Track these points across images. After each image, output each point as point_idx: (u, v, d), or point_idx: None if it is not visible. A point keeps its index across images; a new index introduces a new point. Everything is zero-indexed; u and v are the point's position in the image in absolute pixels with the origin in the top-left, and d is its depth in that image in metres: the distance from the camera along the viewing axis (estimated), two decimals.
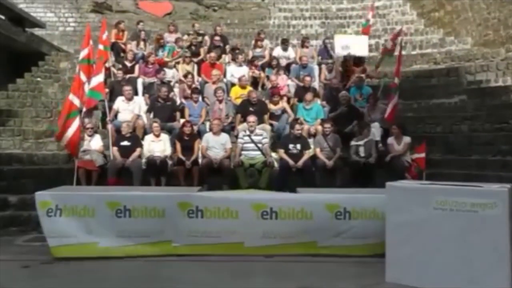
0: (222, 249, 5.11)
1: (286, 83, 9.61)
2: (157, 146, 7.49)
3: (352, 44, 10.19)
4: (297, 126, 7.54)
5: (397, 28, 13.76)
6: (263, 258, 5.02)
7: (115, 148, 7.39)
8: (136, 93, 9.08)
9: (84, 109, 7.81)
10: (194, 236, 5.12)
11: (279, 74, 9.65)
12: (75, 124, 6.92)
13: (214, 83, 9.20)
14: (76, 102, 7.03)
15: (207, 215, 5.10)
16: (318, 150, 7.49)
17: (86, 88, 7.75)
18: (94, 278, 4.55)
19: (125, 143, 7.44)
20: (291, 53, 10.88)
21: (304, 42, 11.10)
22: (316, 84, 9.82)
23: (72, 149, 7.12)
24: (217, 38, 11.05)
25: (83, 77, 7.70)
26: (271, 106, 8.69)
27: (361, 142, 7.50)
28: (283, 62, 10.45)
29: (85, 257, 5.01)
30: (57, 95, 10.21)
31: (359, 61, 10.13)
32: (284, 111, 8.66)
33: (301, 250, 5.12)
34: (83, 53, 8.07)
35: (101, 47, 8.80)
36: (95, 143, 7.58)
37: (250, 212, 5.11)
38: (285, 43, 10.97)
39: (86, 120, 7.84)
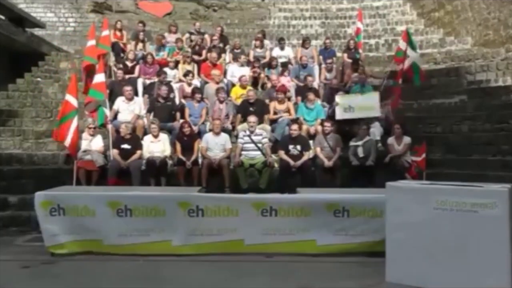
0: (222, 247, 5.13)
1: (290, 84, 9.60)
2: (157, 146, 7.48)
3: (356, 105, 8.47)
4: (293, 126, 7.53)
5: (397, 28, 13.82)
6: (263, 258, 5.02)
7: (115, 150, 7.38)
8: (136, 94, 9.08)
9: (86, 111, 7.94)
10: (195, 235, 5.14)
11: (284, 75, 9.68)
12: (74, 125, 6.96)
13: (217, 83, 9.20)
14: (74, 102, 7.05)
15: (208, 214, 5.11)
16: (318, 149, 7.49)
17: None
18: (94, 278, 4.55)
19: (125, 145, 7.42)
20: (289, 52, 10.89)
21: (304, 42, 11.11)
22: (316, 84, 9.83)
23: (71, 150, 7.14)
24: (215, 37, 11.05)
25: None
26: (277, 105, 8.62)
27: (359, 143, 7.50)
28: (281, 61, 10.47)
29: (87, 255, 5.07)
30: (57, 95, 10.21)
31: (357, 65, 10.11)
32: (288, 111, 8.61)
33: (301, 248, 5.12)
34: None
35: (101, 46, 8.87)
36: (96, 143, 7.58)
37: (250, 211, 5.12)
38: (281, 42, 10.99)
39: (89, 120, 7.87)
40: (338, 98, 8.67)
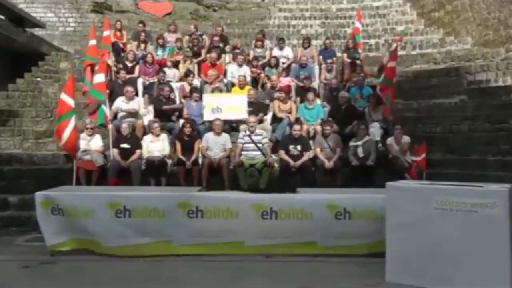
0: (222, 249, 5.11)
1: (291, 85, 9.60)
2: (156, 146, 7.48)
3: (224, 106, 8.30)
4: (296, 127, 7.53)
5: (397, 28, 13.82)
6: (263, 258, 5.02)
7: (115, 150, 7.38)
8: (136, 94, 9.08)
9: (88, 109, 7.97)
10: (194, 236, 5.13)
11: (283, 76, 9.67)
12: (71, 124, 6.94)
13: (211, 83, 9.21)
14: (70, 102, 7.03)
15: (207, 215, 5.10)
16: (318, 150, 7.49)
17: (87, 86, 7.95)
18: (94, 278, 4.55)
19: (125, 145, 7.41)
20: (289, 52, 10.89)
21: (304, 42, 11.11)
22: (316, 84, 9.82)
23: (70, 150, 7.13)
24: (216, 38, 11.05)
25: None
26: (281, 105, 8.57)
27: (359, 143, 7.50)
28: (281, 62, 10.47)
29: (87, 255, 5.08)
30: (57, 95, 10.19)
31: (355, 65, 10.10)
32: (290, 112, 8.57)
33: (302, 250, 5.12)
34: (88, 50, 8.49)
35: (103, 46, 8.94)
36: (95, 143, 7.58)
37: (250, 212, 5.11)
38: (281, 42, 10.99)
39: (87, 120, 7.89)
40: (205, 97, 8.56)
